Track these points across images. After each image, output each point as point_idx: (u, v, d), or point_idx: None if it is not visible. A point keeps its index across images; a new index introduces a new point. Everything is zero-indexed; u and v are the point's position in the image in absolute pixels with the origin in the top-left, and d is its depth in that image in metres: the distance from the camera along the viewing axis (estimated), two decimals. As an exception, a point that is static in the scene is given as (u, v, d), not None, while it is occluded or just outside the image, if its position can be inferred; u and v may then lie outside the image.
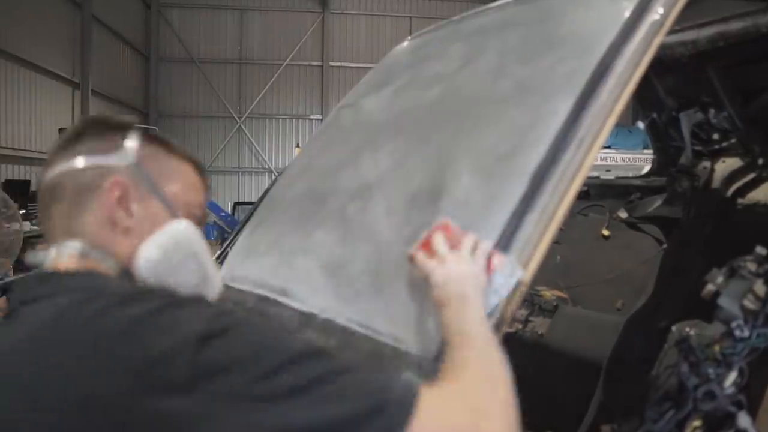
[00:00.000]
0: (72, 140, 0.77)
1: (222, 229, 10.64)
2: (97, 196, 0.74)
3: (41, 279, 0.71)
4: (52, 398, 0.57)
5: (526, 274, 0.88)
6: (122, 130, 0.79)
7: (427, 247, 0.93)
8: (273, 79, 16.68)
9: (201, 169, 0.86)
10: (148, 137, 0.80)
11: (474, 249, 0.89)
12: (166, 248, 0.74)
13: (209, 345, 0.59)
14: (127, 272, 0.73)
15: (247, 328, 0.63)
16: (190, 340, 0.58)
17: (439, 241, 0.92)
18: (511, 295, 0.86)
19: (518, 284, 0.86)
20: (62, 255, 0.73)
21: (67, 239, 0.73)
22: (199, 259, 0.78)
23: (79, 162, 0.75)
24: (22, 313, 0.67)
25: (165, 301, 0.63)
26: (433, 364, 0.85)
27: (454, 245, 0.91)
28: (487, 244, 0.90)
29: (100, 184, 0.74)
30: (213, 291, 0.80)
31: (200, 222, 0.82)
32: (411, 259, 0.95)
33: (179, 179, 0.80)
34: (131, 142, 0.77)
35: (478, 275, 0.86)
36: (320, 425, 0.58)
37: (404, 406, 0.61)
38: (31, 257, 0.77)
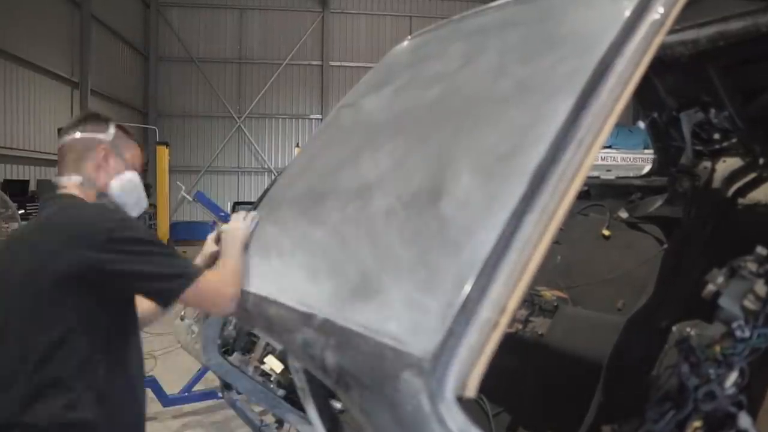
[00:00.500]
0: (80, 122, 1.51)
1: (222, 229, 10.63)
2: (92, 153, 1.47)
3: (52, 196, 1.44)
4: (49, 256, 1.26)
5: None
6: (106, 121, 1.53)
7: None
8: (273, 79, 16.69)
9: (140, 145, 1.60)
10: (118, 126, 1.54)
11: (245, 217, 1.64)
12: (123, 184, 1.50)
13: (116, 230, 1.28)
14: (102, 194, 1.48)
15: (134, 226, 1.35)
16: (108, 226, 1.28)
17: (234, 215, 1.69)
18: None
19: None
20: (70, 182, 1.44)
21: (73, 174, 1.45)
22: (137, 192, 1.54)
23: (85, 134, 1.48)
24: (39, 213, 1.45)
25: (100, 210, 1.40)
26: (432, 364, 0.85)
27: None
28: (251, 216, 1.65)
29: (95, 146, 1.48)
30: (142, 207, 1.56)
31: (141, 167, 1.56)
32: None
33: (130, 150, 1.54)
34: (111, 128, 1.51)
35: (241, 228, 1.59)
36: (153, 273, 1.30)
37: (193, 276, 1.33)
38: (54, 179, 1.48)
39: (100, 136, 1.47)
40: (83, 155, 1.45)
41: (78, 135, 1.45)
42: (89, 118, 1.51)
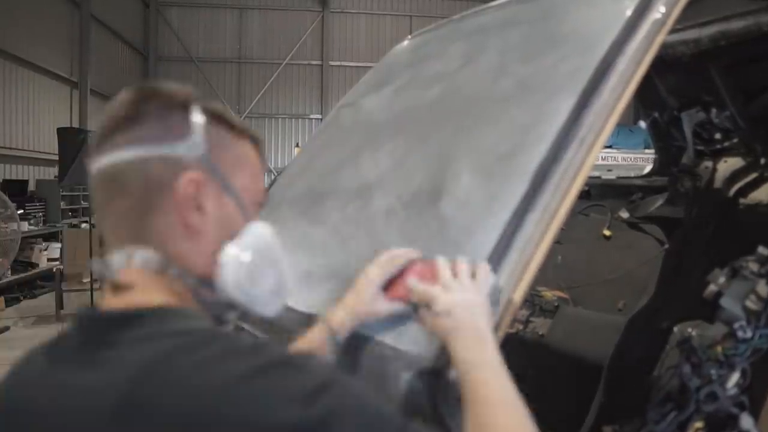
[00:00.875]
0: (131, 120, 0.64)
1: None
2: (167, 195, 0.63)
3: (126, 320, 0.59)
4: None
5: (515, 295, 0.86)
6: (186, 107, 0.66)
7: (421, 274, 0.89)
8: (272, 79, 16.68)
9: (259, 144, 0.73)
10: (210, 113, 0.69)
11: (473, 275, 0.84)
12: (249, 258, 0.67)
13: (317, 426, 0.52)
14: (206, 285, 0.65)
15: (350, 407, 0.56)
16: (292, 421, 0.52)
17: (443, 268, 0.86)
18: (498, 319, 0.84)
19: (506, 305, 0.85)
20: (132, 265, 0.63)
21: (135, 245, 0.63)
22: (278, 266, 0.73)
23: (144, 150, 0.63)
24: (108, 358, 0.57)
25: (270, 360, 0.56)
26: (433, 364, 0.85)
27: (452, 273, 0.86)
28: (485, 271, 0.84)
29: (170, 181, 0.63)
30: (284, 300, 0.75)
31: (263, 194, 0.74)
32: (405, 288, 0.89)
33: (245, 167, 0.69)
34: (199, 126, 0.65)
35: (484, 304, 0.81)
36: None
37: None
38: (96, 265, 0.65)
39: (179, 149, 0.64)
40: (148, 201, 0.64)
41: (127, 153, 0.63)
42: (149, 102, 0.65)
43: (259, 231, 0.70)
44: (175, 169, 0.64)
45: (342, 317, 0.92)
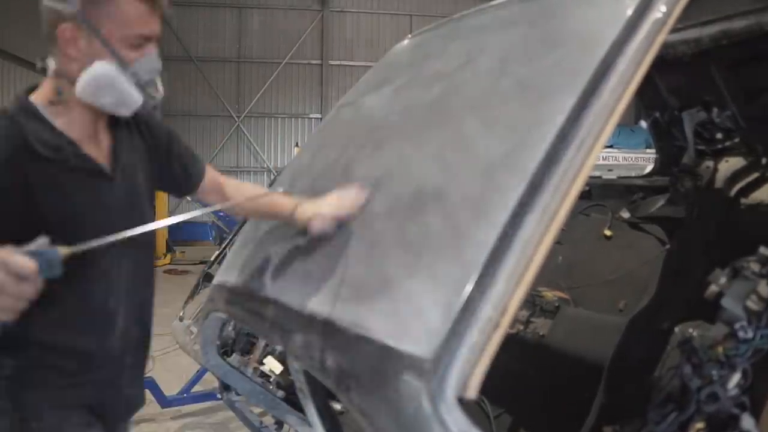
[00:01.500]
0: None
1: (220, 230, 10.59)
2: (55, 35, 1.05)
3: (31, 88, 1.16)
4: None
5: None
6: None
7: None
8: (272, 78, 16.67)
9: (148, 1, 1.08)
10: None
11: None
12: (87, 85, 1.06)
13: None
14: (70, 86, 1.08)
15: None
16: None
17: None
18: None
19: None
20: (50, 67, 1.10)
21: (50, 56, 1.10)
22: (114, 90, 1.07)
23: (45, 2, 1.04)
24: None
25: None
26: (433, 365, 0.84)
27: None
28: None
29: (54, 27, 1.05)
30: (131, 105, 1.11)
31: (151, 39, 1.11)
32: None
33: (116, 18, 1.05)
34: None
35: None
36: None
37: None
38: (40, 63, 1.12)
39: (59, 6, 1.03)
40: (50, 34, 1.06)
41: (45, 2, 1.06)
42: None
43: (101, 67, 1.06)
44: (57, 20, 1.04)
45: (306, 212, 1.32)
